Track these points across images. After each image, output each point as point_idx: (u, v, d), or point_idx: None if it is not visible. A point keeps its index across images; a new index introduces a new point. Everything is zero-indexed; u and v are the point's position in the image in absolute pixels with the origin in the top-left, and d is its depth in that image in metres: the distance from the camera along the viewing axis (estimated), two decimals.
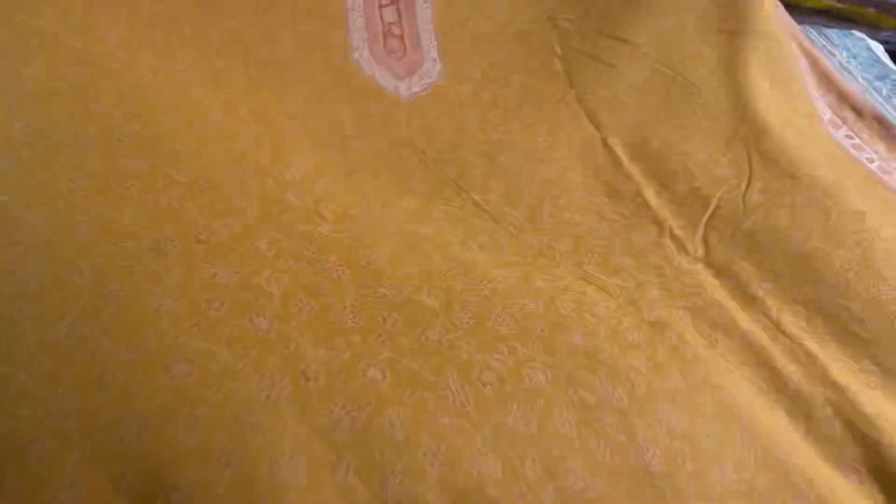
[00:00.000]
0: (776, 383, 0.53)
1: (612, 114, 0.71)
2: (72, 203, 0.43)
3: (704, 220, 0.64)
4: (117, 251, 0.42)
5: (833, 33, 0.99)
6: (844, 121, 0.79)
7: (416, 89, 0.71)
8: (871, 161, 0.74)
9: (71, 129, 0.46)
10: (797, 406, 0.52)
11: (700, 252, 0.62)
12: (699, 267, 0.60)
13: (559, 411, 0.44)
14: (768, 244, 0.61)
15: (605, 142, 0.69)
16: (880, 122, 0.79)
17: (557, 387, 0.45)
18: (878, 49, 1.04)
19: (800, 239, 0.61)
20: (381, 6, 0.76)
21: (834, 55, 0.94)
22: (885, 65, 0.99)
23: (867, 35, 1.07)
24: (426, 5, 0.77)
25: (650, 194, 0.65)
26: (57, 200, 0.43)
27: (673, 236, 0.63)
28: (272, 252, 0.48)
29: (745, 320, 0.57)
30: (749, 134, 0.69)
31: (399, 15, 0.75)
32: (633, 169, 0.67)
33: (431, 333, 0.46)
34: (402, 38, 0.75)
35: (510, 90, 0.72)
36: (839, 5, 1.50)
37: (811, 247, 0.61)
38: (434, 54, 0.75)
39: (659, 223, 0.63)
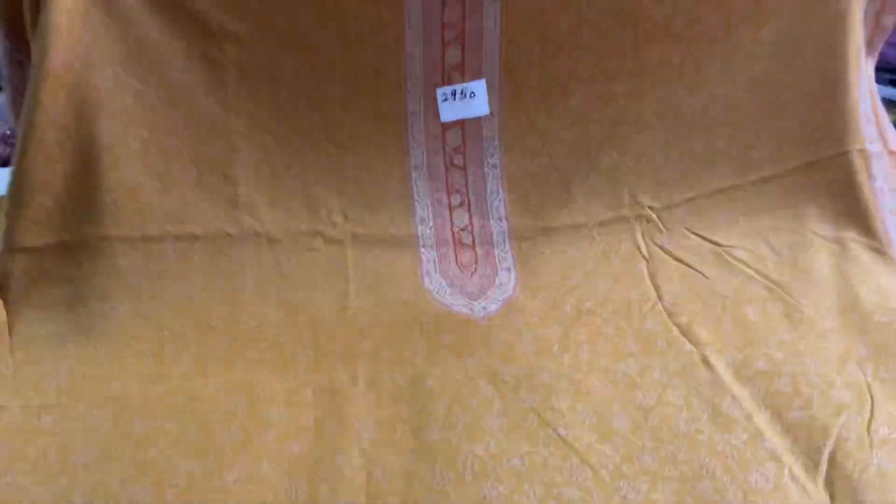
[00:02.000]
0: None
1: (709, 329, 0.64)
2: None
3: (826, 456, 0.53)
4: None
5: None
6: None
7: (491, 308, 0.67)
8: None
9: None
10: None
11: (825, 499, 0.51)
12: None
13: None
14: None
15: (705, 360, 0.61)
16: None
17: None
18: None
19: None
20: (451, 208, 0.74)
21: None
22: None
23: None
24: (498, 200, 0.74)
25: (762, 421, 0.55)
26: None
27: (793, 477, 0.52)
28: None
29: None
30: (865, 355, 0.61)
31: (469, 217, 0.72)
32: (740, 391, 0.58)
33: None
34: (473, 247, 0.72)
35: (594, 300, 0.67)
36: None
37: None
38: (508, 262, 0.71)
39: (776, 458, 0.53)
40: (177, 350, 0.61)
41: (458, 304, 0.67)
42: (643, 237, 0.72)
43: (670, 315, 0.66)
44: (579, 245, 0.71)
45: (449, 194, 0.73)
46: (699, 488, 0.53)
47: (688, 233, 0.72)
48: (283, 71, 0.65)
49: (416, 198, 0.72)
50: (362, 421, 0.56)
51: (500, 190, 0.74)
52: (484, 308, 0.67)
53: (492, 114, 0.69)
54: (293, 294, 0.65)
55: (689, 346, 0.63)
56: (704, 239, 0.71)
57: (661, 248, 0.71)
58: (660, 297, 0.68)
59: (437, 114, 0.68)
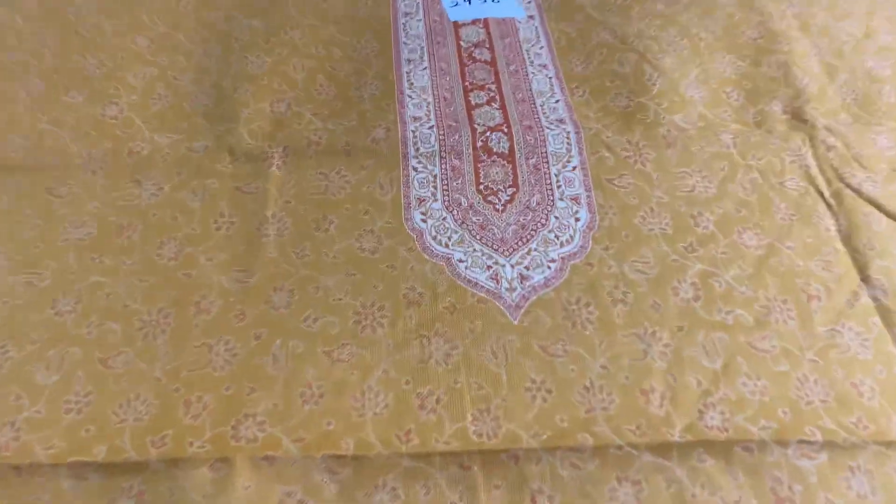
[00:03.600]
0: None
1: None
2: None
3: None
4: None
5: None
6: None
7: (535, 279, 0.35)
8: None
9: None
10: None
11: None
12: None
13: None
14: None
15: None
16: None
17: None
18: None
19: None
20: (467, 86, 0.46)
21: None
22: None
23: None
24: (553, 84, 0.46)
25: None
26: None
27: None
28: None
29: None
30: None
31: (504, 110, 0.43)
32: None
33: None
34: (510, 156, 0.40)
35: (731, 251, 0.39)
36: None
37: None
38: (577, 186, 0.40)
39: None
40: None
41: (474, 266, 0.36)
42: (821, 173, 0.41)
43: (889, 322, 0.35)
44: (708, 167, 0.42)
45: (467, 91, 0.45)
46: None
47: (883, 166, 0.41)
48: None
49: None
50: None
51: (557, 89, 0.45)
52: (522, 280, 0.36)
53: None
54: None
55: None
56: None
57: (857, 191, 0.39)
58: (865, 280, 0.36)
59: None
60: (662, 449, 0.31)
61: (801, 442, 0.31)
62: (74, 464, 0.30)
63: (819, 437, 0.31)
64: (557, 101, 0.44)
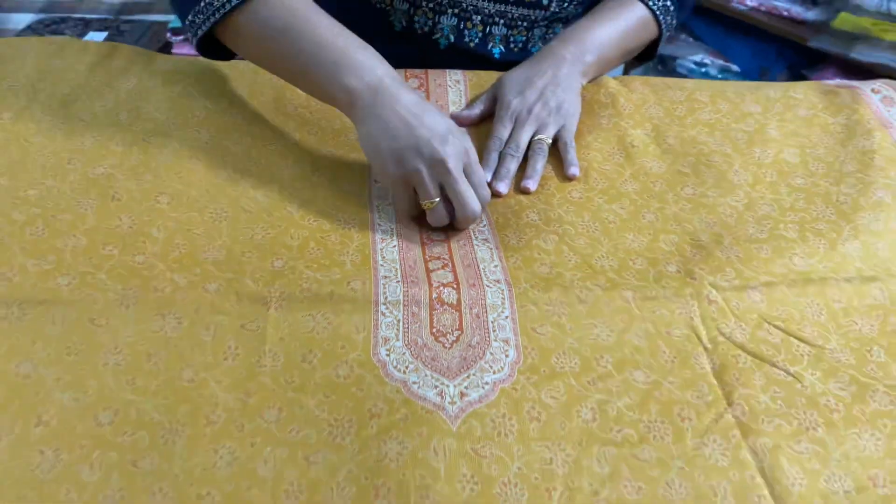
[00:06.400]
0: None
1: (804, 473, 0.46)
2: None
3: None
4: None
5: None
6: None
7: (473, 396, 0.45)
8: None
9: None
10: None
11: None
12: None
13: None
14: None
15: None
16: None
17: None
18: None
19: None
20: (428, 262, 0.58)
21: None
22: None
23: None
24: (494, 260, 0.58)
25: None
26: None
27: None
28: None
29: None
30: None
31: (455, 278, 0.56)
32: None
33: None
34: (457, 307, 0.51)
35: (629, 399, 0.48)
36: None
37: None
38: (507, 332, 0.50)
39: None
40: None
41: (424, 387, 0.46)
42: (703, 321, 0.52)
43: (744, 434, 0.46)
44: (611, 319, 0.52)
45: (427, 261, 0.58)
46: None
47: (763, 323, 0.53)
48: None
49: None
50: None
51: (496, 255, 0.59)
52: (462, 396, 0.46)
53: None
54: (178, 374, 0.48)
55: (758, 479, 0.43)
56: (791, 335, 0.50)
57: (728, 338, 0.50)
58: (729, 404, 0.46)
59: None
60: None
61: None
62: None
63: None
64: (496, 266, 0.57)
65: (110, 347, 0.47)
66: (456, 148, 0.56)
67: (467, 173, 0.57)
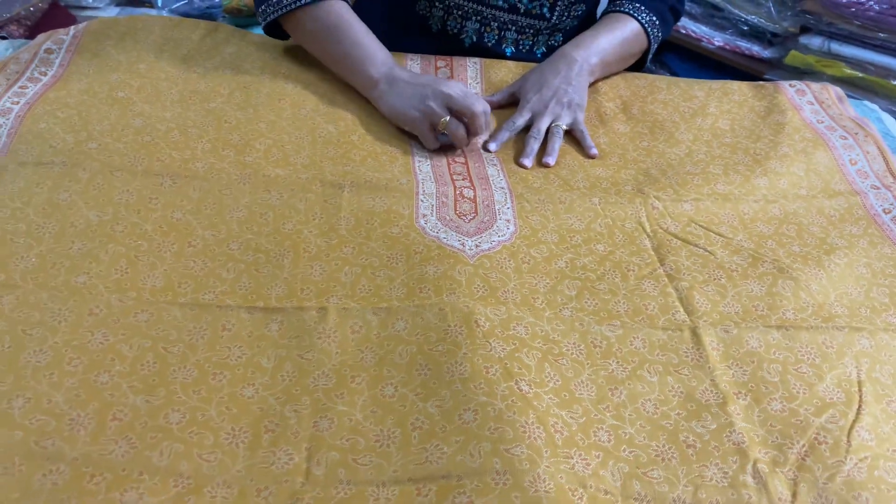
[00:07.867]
0: None
1: (708, 298, 0.65)
2: None
3: (795, 455, 0.51)
4: None
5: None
6: None
7: (484, 247, 0.65)
8: None
9: None
10: None
11: (787, 497, 0.49)
12: None
13: None
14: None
15: (695, 333, 0.59)
16: None
17: None
18: (889, 121, 1.01)
19: None
20: (452, 175, 0.76)
21: None
22: (894, 137, 0.96)
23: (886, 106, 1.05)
24: (500, 176, 0.78)
25: (737, 408, 0.53)
26: None
27: (756, 472, 0.49)
28: None
29: None
30: (866, 349, 0.60)
31: (472, 184, 0.76)
32: (723, 373, 0.56)
33: None
34: (474, 200, 0.72)
35: (592, 258, 0.68)
36: (860, 75, 1.60)
37: None
38: (508, 215, 0.70)
39: (742, 451, 0.51)
40: (151, 262, 0.60)
41: (451, 240, 0.66)
42: (648, 218, 0.73)
43: (670, 279, 0.65)
44: (583, 215, 0.72)
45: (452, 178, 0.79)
46: (649, 476, 0.50)
47: (693, 224, 0.73)
48: None
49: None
50: (321, 368, 0.54)
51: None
52: (476, 246, 0.66)
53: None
54: (281, 224, 0.67)
55: (681, 315, 0.61)
56: (712, 231, 0.71)
57: (665, 230, 0.71)
58: (661, 263, 0.67)
59: None
60: None
61: None
62: None
63: None
64: (501, 180, 0.77)
65: (235, 206, 0.67)
66: (451, 84, 0.79)
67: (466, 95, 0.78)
